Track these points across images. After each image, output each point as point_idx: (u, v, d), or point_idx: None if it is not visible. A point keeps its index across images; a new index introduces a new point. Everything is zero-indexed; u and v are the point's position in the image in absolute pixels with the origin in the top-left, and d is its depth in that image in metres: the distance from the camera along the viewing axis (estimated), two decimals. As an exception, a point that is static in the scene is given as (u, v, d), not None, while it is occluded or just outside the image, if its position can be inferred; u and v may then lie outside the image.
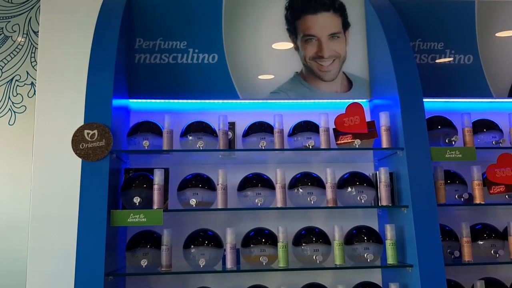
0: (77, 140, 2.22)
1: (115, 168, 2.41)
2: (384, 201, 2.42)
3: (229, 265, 2.29)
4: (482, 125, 2.66)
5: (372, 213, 2.73)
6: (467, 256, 2.41)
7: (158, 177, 2.31)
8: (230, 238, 2.32)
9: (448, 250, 2.43)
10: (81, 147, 2.21)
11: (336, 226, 2.38)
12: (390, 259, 2.35)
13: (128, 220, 2.22)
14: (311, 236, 2.42)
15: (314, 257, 2.35)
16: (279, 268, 2.31)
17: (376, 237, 2.44)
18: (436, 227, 2.29)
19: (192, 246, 2.34)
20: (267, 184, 2.46)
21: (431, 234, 2.29)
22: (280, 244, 2.33)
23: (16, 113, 3.14)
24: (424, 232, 2.29)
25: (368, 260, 2.36)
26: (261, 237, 2.41)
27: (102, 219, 2.17)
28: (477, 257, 2.46)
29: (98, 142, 2.21)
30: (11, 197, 2.86)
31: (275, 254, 2.37)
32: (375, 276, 2.62)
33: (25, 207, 2.66)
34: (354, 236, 2.45)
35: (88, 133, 2.22)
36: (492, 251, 2.45)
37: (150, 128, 2.46)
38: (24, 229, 2.57)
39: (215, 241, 2.38)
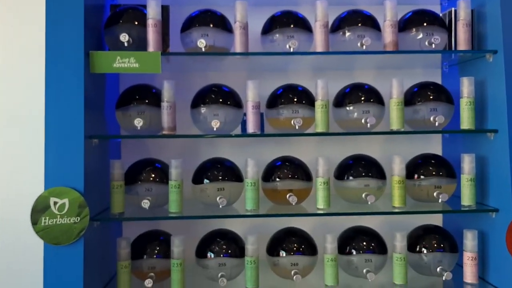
0: (36, -49, 1.58)
1: (98, 3, 1.78)
2: (463, 45, 1.78)
3: (250, 129, 1.73)
4: None
5: (435, 71, 2.11)
6: None
7: (153, 9, 1.68)
8: (252, 95, 1.73)
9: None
10: (42, -39, 1.57)
11: (395, 80, 1.77)
12: (466, 123, 1.77)
13: (114, 65, 1.63)
14: (359, 94, 1.83)
15: (363, 120, 1.77)
16: (316, 133, 1.75)
17: (446, 96, 1.84)
18: (535, 78, 1.68)
19: (202, 105, 1.78)
20: (302, 24, 1.82)
21: (528, 89, 1.68)
22: (318, 104, 1.75)
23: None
24: (519, 85, 1.68)
25: (436, 124, 1.78)
26: (293, 95, 1.82)
27: (78, 63, 1.58)
28: None
29: (65, -46, 1.57)
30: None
31: (311, 116, 1.80)
32: (436, 146, 2.06)
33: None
34: (416, 95, 1.85)
35: None
36: None
37: None
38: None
39: (232, 99, 1.80)
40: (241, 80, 1.85)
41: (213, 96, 1.78)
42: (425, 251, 1.82)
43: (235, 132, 1.82)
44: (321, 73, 2.03)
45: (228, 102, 1.78)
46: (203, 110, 1.76)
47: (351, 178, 1.82)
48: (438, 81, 2.09)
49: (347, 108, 1.82)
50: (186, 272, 1.82)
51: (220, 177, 1.79)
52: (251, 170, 1.73)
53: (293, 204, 1.75)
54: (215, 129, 1.71)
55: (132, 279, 1.80)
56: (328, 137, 2.07)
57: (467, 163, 1.76)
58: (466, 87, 1.76)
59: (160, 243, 1.83)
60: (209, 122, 1.73)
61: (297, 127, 1.74)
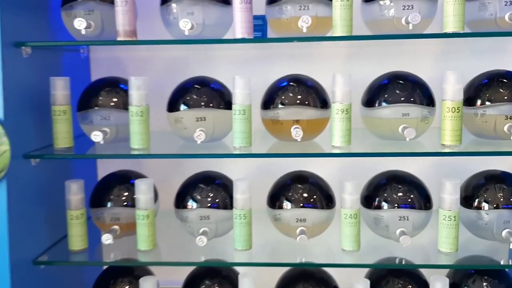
0: None
1: None
2: None
3: (238, 32, 1.22)
4: None
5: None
6: None
7: None
8: (241, -16, 1.21)
9: None
10: None
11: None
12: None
13: None
14: (399, -19, 1.26)
15: (403, 20, 1.22)
16: (331, 37, 1.22)
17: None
18: None
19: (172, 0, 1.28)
20: None
21: None
22: (337, -4, 1.20)
23: None
24: None
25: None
26: (303, -16, 1.28)
27: None
28: None
29: None
30: None
31: (327, 15, 1.26)
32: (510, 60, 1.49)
33: None
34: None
35: None
36: None
37: None
38: None
39: (215, -9, 1.29)
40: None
41: (188, -14, 1.27)
42: (486, 207, 1.30)
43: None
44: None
45: (210, -4, 1.27)
46: (174, 7, 1.27)
47: (384, 104, 1.30)
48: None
49: (381, 2, 1.26)
50: (164, 225, 1.42)
51: (203, 103, 1.32)
52: (240, 93, 1.24)
53: (298, 140, 1.26)
54: (186, 32, 1.21)
55: (98, 232, 1.42)
56: (356, 49, 1.53)
57: (559, 83, 1.19)
58: None
59: (128, 188, 1.41)
60: (181, 24, 1.23)
61: (304, 30, 1.21)
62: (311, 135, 1.34)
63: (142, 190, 1.29)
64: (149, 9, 1.39)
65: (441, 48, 1.53)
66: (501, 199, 1.30)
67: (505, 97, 1.26)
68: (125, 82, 1.39)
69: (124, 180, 1.43)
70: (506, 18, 1.20)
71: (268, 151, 1.33)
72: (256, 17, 1.29)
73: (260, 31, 1.43)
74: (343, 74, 1.23)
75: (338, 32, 1.20)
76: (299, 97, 1.31)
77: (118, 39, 1.23)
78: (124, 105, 1.33)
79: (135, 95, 1.26)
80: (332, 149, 1.26)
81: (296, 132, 1.24)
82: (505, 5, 1.21)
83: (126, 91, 1.35)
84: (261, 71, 1.53)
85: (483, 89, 1.30)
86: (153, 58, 1.62)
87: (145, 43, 1.25)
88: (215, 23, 1.27)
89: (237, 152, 1.25)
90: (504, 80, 1.28)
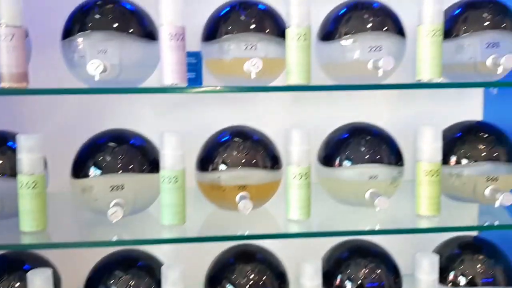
0: None
1: None
2: None
3: (168, 78, 0.93)
4: None
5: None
6: None
7: None
8: (166, 15, 0.92)
9: None
10: None
11: (427, -9, 0.99)
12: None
13: None
14: (364, 16, 1.03)
15: (370, 64, 1.00)
16: (285, 87, 0.96)
17: (513, 23, 1.08)
18: None
19: (78, 33, 0.96)
20: None
21: None
22: (293, 32, 0.95)
23: None
24: None
25: (500, 71, 1.01)
26: (248, 15, 1.02)
27: None
28: None
29: None
30: None
31: (279, 57, 1.01)
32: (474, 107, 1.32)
33: None
34: (460, 21, 1.08)
35: None
36: None
37: None
38: None
39: (135, 22, 0.99)
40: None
41: (99, 16, 0.96)
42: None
43: (145, 86, 1.02)
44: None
45: (130, 30, 0.97)
46: (79, 42, 0.95)
47: (346, 164, 1.07)
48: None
49: (342, 42, 1.03)
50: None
51: (120, 166, 1.01)
52: (171, 155, 0.95)
53: (247, 213, 0.99)
54: (97, 77, 0.91)
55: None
56: (301, 92, 1.30)
57: (547, 139, 1.02)
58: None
59: (20, 278, 1.05)
60: (89, 67, 0.92)
61: (253, 75, 0.95)
62: (260, 201, 1.08)
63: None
64: (48, 39, 1.07)
65: (404, 94, 1.32)
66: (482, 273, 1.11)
67: (483, 154, 1.08)
68: (14, 138, 1.05)
69: (15, 267, 1.07)
70: (488, 62, 1.02)
71: (206, 230, 1.05)
72: (189, 54, 1.02)
73: (193, 71, 1.16)
74: (300, 130, 0.99)
75: (294, 80, 0.96)
76: (245, 155, 1.05)
77: (2, 85, 0.90)
78: (12, 171, 0.99)
79: (25, 159, 0.93)
80: (288, 224, 1.00)
81: (245, 205, 0.97)
82: (487, 47, 1.03)
83: (15, 151, 1.01)
84: (191, 116, 1.26)
85: (456, 144, 1.11)
86: (55, 100, 1.28)
87: (40, 92, 0.93)
88: (136, 63, 0.98)
89: (167, 235, 0.95)
90: (480, 133, 1.10)
